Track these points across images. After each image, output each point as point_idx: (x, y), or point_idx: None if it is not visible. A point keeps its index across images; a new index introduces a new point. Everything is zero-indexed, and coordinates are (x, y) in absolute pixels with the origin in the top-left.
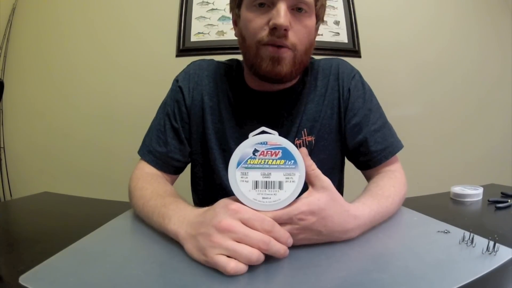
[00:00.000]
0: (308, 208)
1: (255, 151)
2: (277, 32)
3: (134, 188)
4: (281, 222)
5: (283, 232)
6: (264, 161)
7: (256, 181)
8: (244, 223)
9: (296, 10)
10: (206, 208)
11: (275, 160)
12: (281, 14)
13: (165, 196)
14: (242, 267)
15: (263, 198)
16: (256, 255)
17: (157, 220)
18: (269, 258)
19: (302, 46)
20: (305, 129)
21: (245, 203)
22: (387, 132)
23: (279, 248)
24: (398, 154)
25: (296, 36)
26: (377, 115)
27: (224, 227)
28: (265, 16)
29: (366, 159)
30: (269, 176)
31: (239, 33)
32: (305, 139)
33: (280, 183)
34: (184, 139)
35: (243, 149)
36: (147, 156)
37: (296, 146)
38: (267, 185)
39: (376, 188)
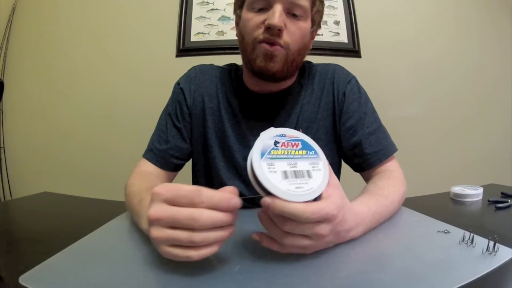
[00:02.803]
0: (336, 206)
1: (276, 142)
2: (271, 31)
3: (127, 185)
4: (319, 220)
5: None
6: (287, 152)
7: (285, 171)
8: (172, 204)
9: (290, 15)
10: None
11: (297, 151)
12: (276, 15)
13: (145, 192)
14: (194, 253)
15: (296, 188)
16: (199, 237)
17: (135, 219)
18: (269, 258)
19: (295, 45)
20: (301, 130)
21: (277, 195)
22: (381, 135)
23: (216, 219)
24: (398, 154)
25: (289, 36)
26: (371, 118)
27: (152, 218)
28: (262, 16)
29: (361, 161)
30: (295, 165)
31: (239, 32)
32: None
33: (308, 171)
34: (186, 138)
35: (264, 141)
36: (147, 154)
37: None
38: (296, 174)
39: (374, 188)
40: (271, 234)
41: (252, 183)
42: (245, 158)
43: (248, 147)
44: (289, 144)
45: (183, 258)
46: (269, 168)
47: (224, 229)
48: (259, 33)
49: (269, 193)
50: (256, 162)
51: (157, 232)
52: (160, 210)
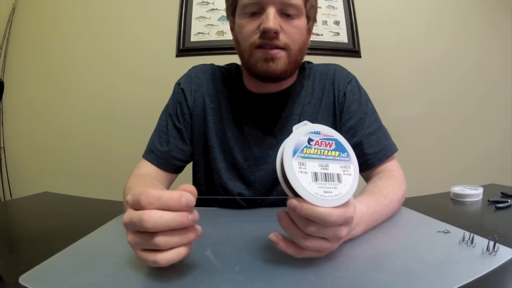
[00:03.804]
0: (354, 207)
1: (310, 140)
2: (268, 35)
3: (125, 188)
4: (341, 223)
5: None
6: (320, 152)
7: (315, 173)
8: (133, 209)
9: (284, 15)
10: None
11: (330, 151)
12: (270, 18)
13: None
14: (160, 257)
15: (324, 192)
16: (161, 240)
17: None
18: (269, 258)
19: (295, 45)
20: None
21: (305, 198)
22: (382, 135)
23: (168, 219)
24: (398, 154)
25: (287, 37)
26: (372, 119)
27: (124, 223)
28: (257, 21)
29: (361, 161)
30: (327, 167)
31: (234, 38)
32: None
33: (338, 175)
34: (187, 139)
35: (298, 137)
36: (148, 156)
37: None
38: (326, 177)
39: (374, 188)
40: (291, 235)
41: (279, 179)
42: (246, 159)
43: (249, 148)
44: (323, 143)
45: (152, 263)
46: (300, 168)
47: (188, 231)
48: (255, 38)
49: (296, 194)
50: (288, 160)
51: (128, 237)
52: (125, 216)
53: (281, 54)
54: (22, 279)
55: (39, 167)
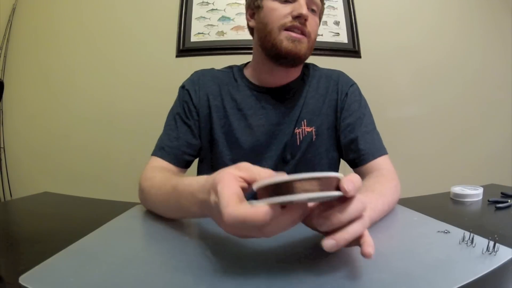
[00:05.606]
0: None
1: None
2: (300, 20)
3: (143, 179)
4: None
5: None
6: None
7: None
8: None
9: (310, 10)
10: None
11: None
12: (304, 6)
13: (174, 179)
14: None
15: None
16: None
17: (172, 205)
18: (269, 258)
19: (314, 35)
20: (305, 120)
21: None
22: (376, 137)
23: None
24: (398, 154)
25: (310, 27)
26: (369, 121)
27: (225, 223)
28: (288, 7)
29: (355, 156)
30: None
31: (259, 21)
32: (304, 129)
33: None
34: (196, 134)
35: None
36: (158, 152)
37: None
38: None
39: (366, 185)
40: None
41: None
42: (251, 149)
43: (254, 137)
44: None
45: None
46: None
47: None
48: (287, 21)
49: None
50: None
51: (233, 232)
52: (230, 222)
53: (305, 40)
54: (22, 279)
55: (39, 167)
